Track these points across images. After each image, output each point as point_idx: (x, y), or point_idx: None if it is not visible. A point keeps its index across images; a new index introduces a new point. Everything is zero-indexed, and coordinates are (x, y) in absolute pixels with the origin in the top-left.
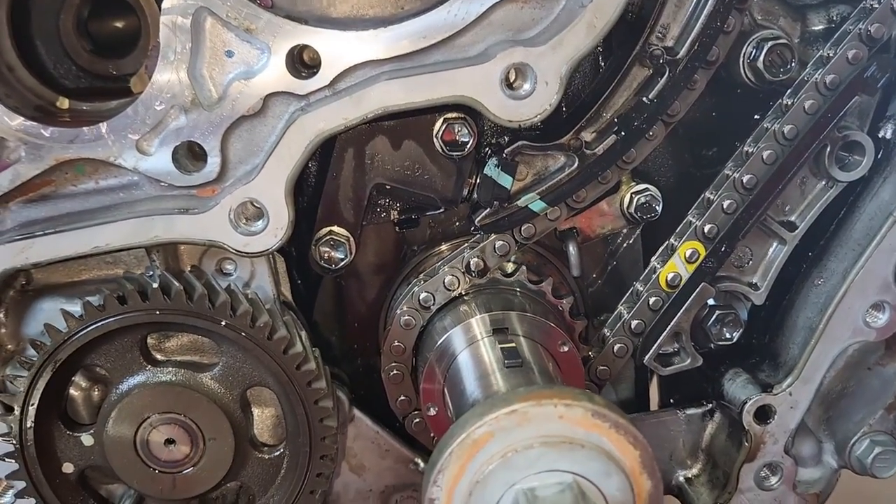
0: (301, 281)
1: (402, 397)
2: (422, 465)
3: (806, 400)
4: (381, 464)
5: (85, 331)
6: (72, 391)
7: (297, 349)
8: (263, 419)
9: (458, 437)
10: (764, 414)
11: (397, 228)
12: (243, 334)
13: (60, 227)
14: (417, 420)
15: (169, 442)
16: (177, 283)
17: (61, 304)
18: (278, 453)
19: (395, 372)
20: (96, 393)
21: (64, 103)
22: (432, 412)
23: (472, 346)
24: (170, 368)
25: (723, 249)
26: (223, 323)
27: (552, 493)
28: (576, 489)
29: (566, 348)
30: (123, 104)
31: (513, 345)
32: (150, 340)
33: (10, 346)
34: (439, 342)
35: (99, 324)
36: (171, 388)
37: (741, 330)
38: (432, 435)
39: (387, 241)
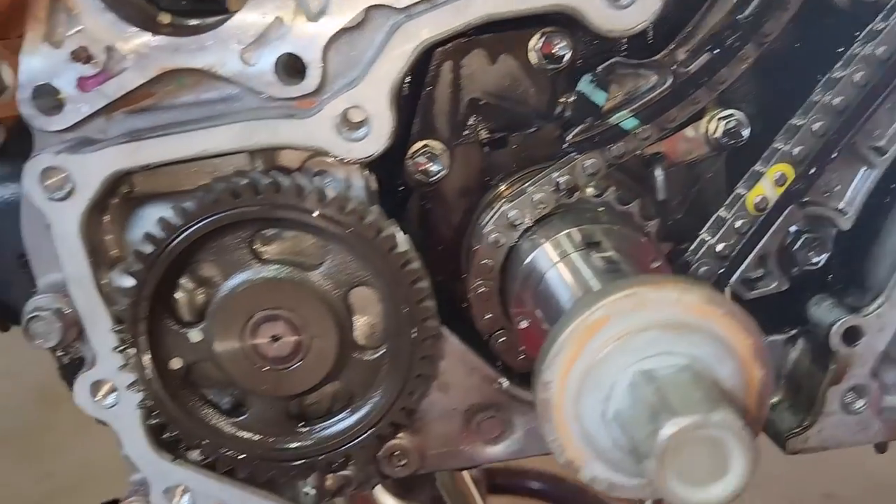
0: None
1: (489, 315)
2: (506, 384)
3: (894, 323)
4: (466, 382)
5: (201, 223)
6: (181, 300)
7: (401, 248)
8: (360, 324)
9: (574, 321)
10: (852, 336)
11: (485, 149)
12: (352, 231)
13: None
14: (503, 339)
15: (274, 338)
16: (288, 180)
17: (163, 212)
18: (378, 355)
19: (482, 290)
20: (200, 295)
21: (165, 18)
22: (524, 325)
23: (564, 259)
24: (277, 266)
25: (811, 172)
26: (333, 219)
27: (669, 373)
28: (692, 371)
29: (657, 265)
30: (223, 20)
31: (610, 254)
32: (256, 241)
33: (113, 253)
34: (529, 258)
35: (214, 217)
36: (279, 284)
37: (827, 254)
38: (521, 349)
39: (472, 164)
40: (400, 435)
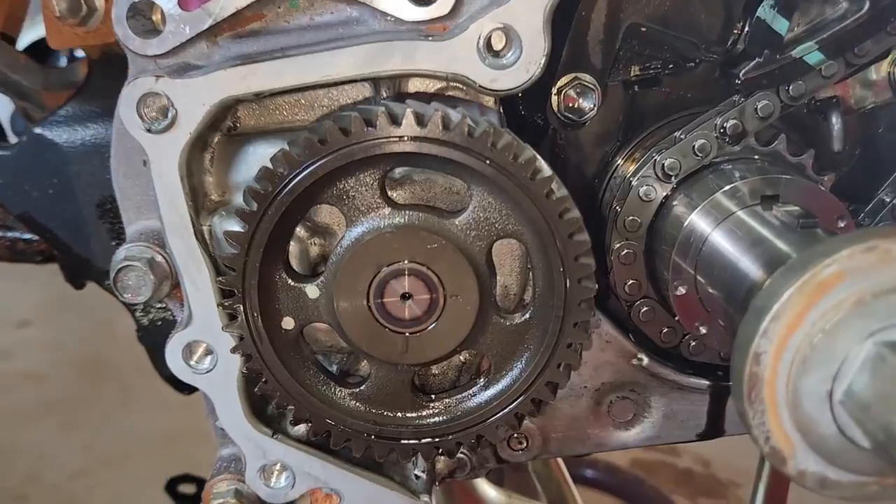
0: None
1: (632, 281)
2: (646, 360)
3: None
4: (599, 357)
5: (329, 157)
6: (295, 251)
7: (559, 194)
8: (502, 283)
9: (797, 278)
10: None
11: (635, 87)
12: (504, 170)
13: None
14: (646, 309)
15: (405, 296)
16: (431, 111)
17: (271, 151)
18: (523, 319)
19: (626, 251)
20: (315, 246)
21: None
22: (681, 291)
23: (732, 216)
24: (412, 212)
25: None
26: (483, 155)
27: None
28: None
29: (843, 224)
30: None
31: (794, 208)
32: (387, 184)
33: (214, 196)
34: (689, 213)
35: (343, 150)
36: (414, 232)
37: None
38: (668, 322)
39: (614, 107)
40: None
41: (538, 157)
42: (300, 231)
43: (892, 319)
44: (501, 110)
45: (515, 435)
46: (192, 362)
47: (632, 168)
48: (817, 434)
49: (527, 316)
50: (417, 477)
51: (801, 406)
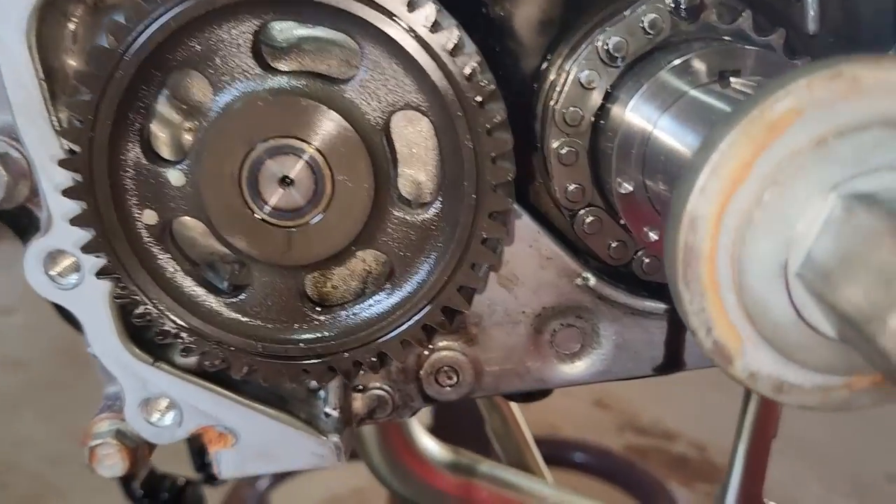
0: None
1: (574, 185)
2: (592, 280)
3: None
4: (539, 276)
5: (182, 6)
6: (155, 128)
7: (467, 54)
8: (408, 173)
9: (741, 119)
10: None
11: None
12: (398, 22)
13: None
14: (591, 219)
15: (285, 181)
16: None
17: None
18: (431, 212)
19: (567, 150)
20: (189, 133)
21: None
22: (626, 188)
23: (684, 96)
24: (290, 78)
25: None
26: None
27: None
28: None
29: None
30: None
31: (759, 79)
32: (261, 43)
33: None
34: (636, 98)
35: None
36: (292, 101)
37: None
38: (617, 234)
39: None
40: (450, 345)
41: (442, 13)
42: (170, 113)
43: (861, 166)
44: None
45: (444, 368)
46: (53, 274)
47: (574, 56)
48: (770, 321)
49: (435, 208)
50: (327, 415)
51: (750, 285)
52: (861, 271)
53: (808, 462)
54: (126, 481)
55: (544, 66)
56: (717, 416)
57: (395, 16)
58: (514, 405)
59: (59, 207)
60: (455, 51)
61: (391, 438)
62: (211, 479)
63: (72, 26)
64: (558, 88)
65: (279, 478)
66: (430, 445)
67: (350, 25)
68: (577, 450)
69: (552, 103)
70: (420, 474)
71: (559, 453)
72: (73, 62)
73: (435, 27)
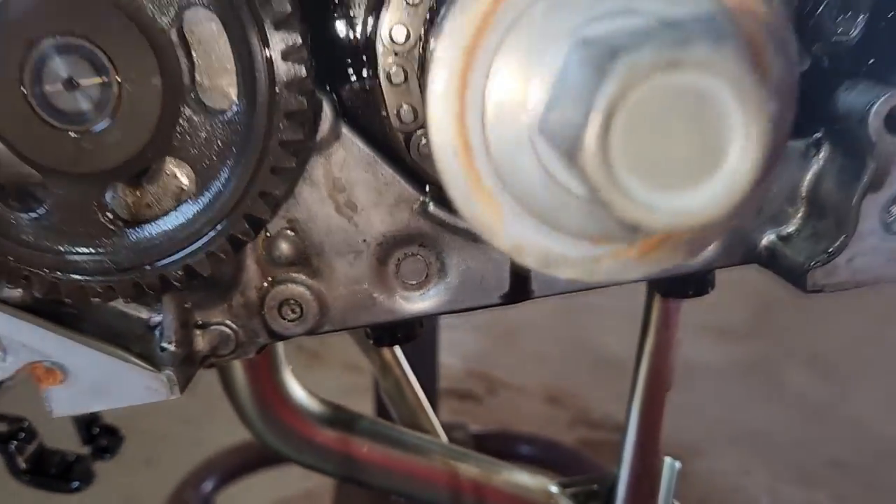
0: None
1: (405, 105)
2: (431, 205)
3: None
4: (377, 202)
5: None
6: None
7: None
8: (207, 75)
9: None
10: None
11: None
12: None
13: None
14: (426, 141)
15: (70, 84)
16: None
17: None
18: (228, 115)
19: (394, 69)
20: None
21: None
22: None
23: None
24: None
25: None
26: None
27: (627, 34)
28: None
29: None
30: None
31: None
32: None
33: None
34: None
35: None
36: None
37: (864, 20)
38: None
39: None
40: (292, 277)
41: None
42: None
43: (591, 10)
44: None
45: (287, 301)
46: None
47: None
48: (525, 185)
49: (232, 111)
50: (163, 349)
51: (501, 150)
52: (571, 106)
53: (756, 453)
54: (9, 456)
55: None
56: (666, 412)
57: None
58: (406, 367)
59: None
60: None
61: (261, 390)
62: (100, 453)
63: None
64: (385, 7)
65: (224, 480)
66: (306, 399)
67: None
68: (524, 443)
69: (383, 20)
70: (294, 427)
71: (505, 446)
72: None
73: None
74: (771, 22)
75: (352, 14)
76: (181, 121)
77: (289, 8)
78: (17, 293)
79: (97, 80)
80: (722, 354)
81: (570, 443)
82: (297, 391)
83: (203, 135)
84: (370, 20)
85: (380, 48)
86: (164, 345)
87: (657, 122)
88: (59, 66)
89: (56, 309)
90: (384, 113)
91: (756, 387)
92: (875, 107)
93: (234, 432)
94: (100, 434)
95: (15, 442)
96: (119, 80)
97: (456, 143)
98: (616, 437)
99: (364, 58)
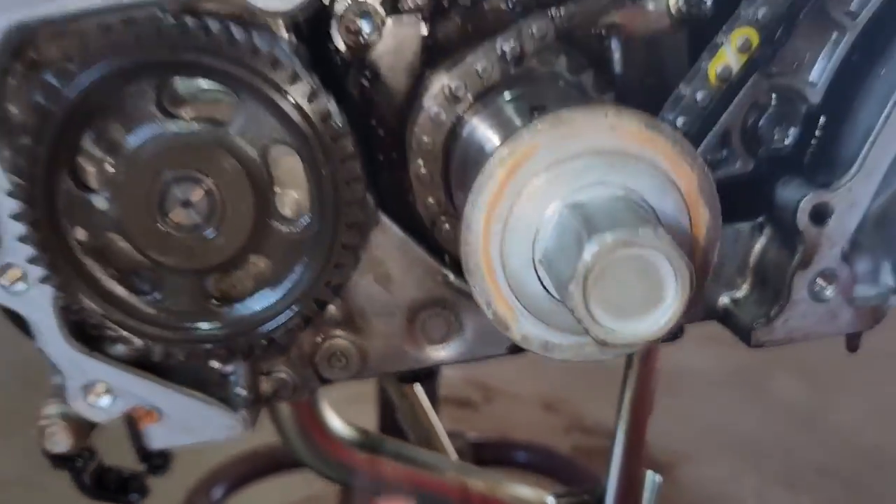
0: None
1: (431, 199)
2: (451, 276)
3: (866, 198)
4: (408, 275)
5: (98, 68)
6: (82, 162)
7: (321, 102)
8: (288, 194)
9: (498, 154)
10: (821, 213)
11: (426, 19)
12: (265, 77)
13: None
14: (447, 226)
15: (186, 204)
16: (193, 20)
17: None
18: (303, 226)
19: (423, 171)
20: (107, 163)
21: None
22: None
23: (505, 124)
24: (185, 121)
25: (777, 36)
26: (245, 62)
27: (602, 202)
28: (628, 201)
29: None
30: None
31: None
32: (164, 95)
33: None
34: (472, 132)
35: (112, 60)
36: (188, 139)
37: (797, 131)
38: None
39: (412, 38)
40: (339, 334)
41: (298, 66)
42: (93, 149)
43: (575, 183)
44: (300, 42)
45: (335, 354)
46: (6, 284)
47: (427, 92)
48: (530, 296)
49: (306, 221)
50: (238, 395)
51: (513, 270)
52: (563, 255)
53: (744, 459)
54: (76, 473)
55: (409, 102)
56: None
57: (282, 89)
58: (420, 393)
59: (7, 229)
60: (312, 97)
61: (305, 421)
62: (155, 470)
63: (13, 81)
64: (418, 121)
65: (233, 487)
66: (340, 426)
67: (234, 84)
68: (521, 450)
69: (414, 133)
70: (331, 451)
71: (502, 453)
72: (13, 108)
73: (293, 79)
74: (699, 179)
75: (390, 129)
76: (267, 228)
77: (351, 149)
78: (123, 350)
79: (205, 199)
80: (711, 361)
81: (566, 448)
82: (334, 421)
83: (283, 238)
84: (408, 133)
85: (410, 150)
86: (238, 390)
87: (618, 276)
88: (178, 191)
89: (151, 363)
90: (411, 199)
91: (744, 394)
92: (802, 203)
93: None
94: (153, 453)
95: (80, 461)
96: (222, 199)
97: (482, 267)
98: (608, 442)
99: (395, 156)
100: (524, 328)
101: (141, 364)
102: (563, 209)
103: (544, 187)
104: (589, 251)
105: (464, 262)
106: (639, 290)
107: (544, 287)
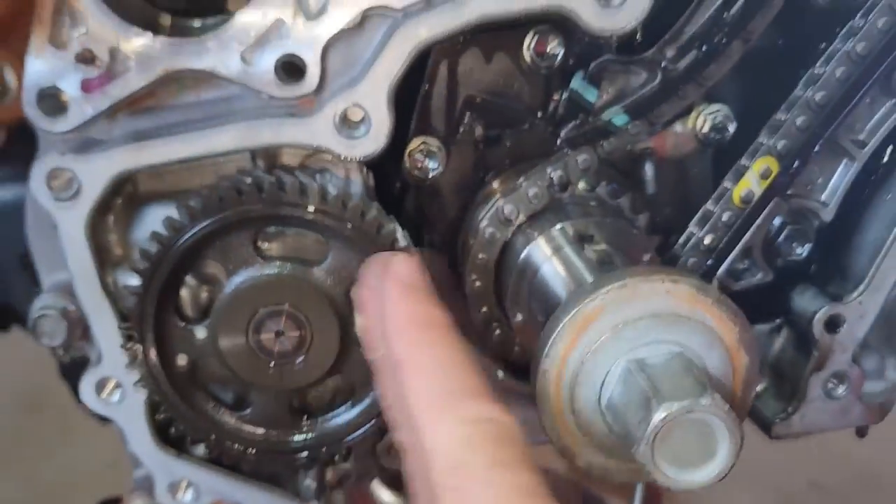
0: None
1: (484, 309)
2: (500, 374)
3: (874, 310)
4: None
5: (205, 223)
6: (185, 296)
7: (402, 244)
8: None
9: (570, 311)
10: (833, 323)
11: (480, 146)
12: (354, 228)
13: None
14: (498, 332)
15: (278, 333)
16: (291, 178)
17: (166, 211)
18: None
19: (478, 284)
20: (204, 293)
21: (166, 20)
22: (519, 318)
23: (558, 253)
24: (280, 263)
25: (795, 166)
26: (336, 216)
27: (660, 361)
28: (682, 358)
29: (648, 256)
30: (224, 20)
31: (602, 247)
32: (259, 239)
33: (117, 252)
34: (524, 253)
35: (218, 216)
36: (282, 280)
37: (810, 246)
38: (516, 342)
39: (468, 161)
40: None
41: (383, 213)
42: (190, 280)
43: (639, 341)
44: (368, 172)
45: (393, 446)
46: (103, 396)
47: (481, 213)
48: (594, 434)
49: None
50: (308, 487)
51: (581, 412)
52: (629, 408)
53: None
54: None
55: (464, 219)
56: None
57: (354, 226)
58: None
59: (108, 347)
60: (393, 243)
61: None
62: None
63: (111, 216)
64: (471, 240)
65: None
66: (387, 497)
67: (323, 231)
68: None
69: (470, 251)
70: None
71: None
72: (113, 238)
73: (378, 229)
74: (740, 330)
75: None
76: (351, 353)
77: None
78: (201, 451)
79: (296, 332)
80: None
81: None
82: (381, 491)
83: (363, 362)
84: (462, 251)
85: (467, 268)
86: (308, 482)
87: (679, 435)
88: (272, 323)
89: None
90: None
91: None
92: (818, 315)
93: None
94: None
95: None
96: (311, 331)
97: (555, 411)
98: None
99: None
100: (588, 458)
101: (219, 462)
102: (626, 364)
103: (610, 344)
104: (658, 416)
105: (537, 401)
106: (696, 445)
107: (608, 427)
